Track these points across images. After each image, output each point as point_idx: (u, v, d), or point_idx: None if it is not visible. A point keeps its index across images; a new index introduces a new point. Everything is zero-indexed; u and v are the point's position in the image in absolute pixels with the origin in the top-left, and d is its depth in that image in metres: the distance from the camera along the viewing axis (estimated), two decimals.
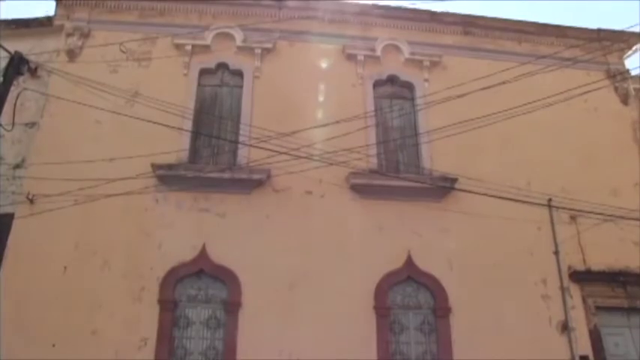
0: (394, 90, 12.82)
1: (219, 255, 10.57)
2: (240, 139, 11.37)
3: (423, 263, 11.00)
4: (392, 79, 12.79)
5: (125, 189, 10.40)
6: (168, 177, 10.87)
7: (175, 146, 11.13)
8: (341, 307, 10.41)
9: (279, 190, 11.17)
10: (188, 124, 11.48)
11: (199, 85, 12.16)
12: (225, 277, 10.49)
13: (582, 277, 11.53)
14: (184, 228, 10.73)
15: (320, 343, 10.13)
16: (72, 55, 12.04)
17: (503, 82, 11.54)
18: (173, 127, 10.91)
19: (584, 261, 11.69)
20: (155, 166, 10.76)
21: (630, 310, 11.60)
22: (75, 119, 11.31)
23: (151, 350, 9.81)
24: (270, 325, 10.18)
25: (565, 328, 11.06)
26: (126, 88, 11.44)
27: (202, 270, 10.51)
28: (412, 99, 12.67)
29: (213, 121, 11.88)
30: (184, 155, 11.23)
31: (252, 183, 11.06)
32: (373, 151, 11.68)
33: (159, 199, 10.88)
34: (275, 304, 10.36)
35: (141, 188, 10.63)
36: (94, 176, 10.36)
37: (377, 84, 12.66)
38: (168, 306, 10.16)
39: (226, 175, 11.00)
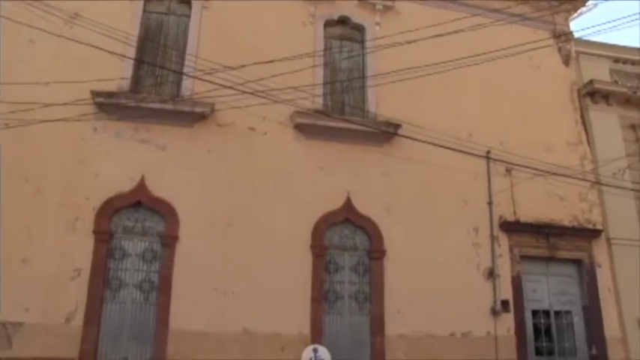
0: (345, 31, 12.68)
1: (158, 187, 10.42)
2: (185, 70, 11.05)
3: (361, 206, 11.22)
4: (343, 20, 12.61)
5: (61, 115, 9.97)
6: (107, 105, 10.50)
7: (116, 74, 10.71)
8: (278, 245, 10.57)
9: (222, 125, 11.01)
10: (131, 52, 11.02)
11: (145, 11, 11.63)
12: (163, 210, 10.39)
13: (511, 227, 12.12)
14: (123, 158, 10.47)
15: (256, 280, 10.30)
16: None
17: (454, 32, 11.57)
18: (115, 54, 10.44)
19: (514, 212, 12.24)
20: (94, 93, 10.34)
21: (549, 260, 12.41)
22: (6, 37, 10.59)
23: (84, 281, 9.71)
24: (206, 260, 10.23)
25: (491, 274, 11.67)
26: (65, 9, 10.81)
27: (140, 202, 10.37)
28: (362, 42, 12.57)
29: (158, 50, 11.46)
30: (126, 84, 10.82)
31: (194, 116, 10.85)
32: (319, 91, 11.64)
33: (97, 127, 10.52)
34: (212, 240, 10.39)
35: (78, 115, 10.20)
36: (28, 100, 9.85)
37: (328, 24, 12.47)
38: (104, 237, 10.02)
39: (169, 106, 10.72)
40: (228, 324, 10.01)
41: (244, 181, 10.84)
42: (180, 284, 10.01)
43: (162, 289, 10.02)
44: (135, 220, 10.39)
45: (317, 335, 10.30)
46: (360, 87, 12.15)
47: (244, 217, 10.61)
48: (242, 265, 10.33)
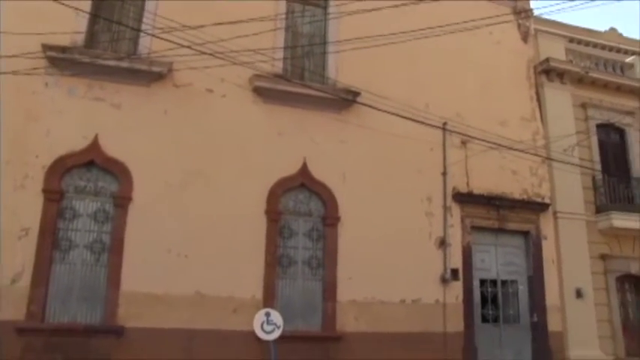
0: None
1: (112, 147, 10.19)
2: (143, 27, 10.75)
3: (317, 172, 11.28)
4: None
5: (10, 68, 9.53)
6: (60, 60, 10.13)
7: (70, 27, 10.31)
8: (233, 209, 10.54)
9: (180, 86, 10.81)
10: (86, 5, 10.58)
11: None
12: (117, 170, 10.20)
13: (464, 198, 12.40)
14: (76, 116, 10.17)
15: (210, 243, 10.29)
16: None
17: (417, 2, 11.59)
18: (69, 6, 9.91)
19: (467, 184, 12.53)
20: (46, 47, 9.95)
21: (499, 231, 12.81)
22: None
23: (33, 241, 9.49)
24: (160, 222, 10.12)
25: (442, 243, 11.97)
26: None
27: (93, 161, 10.14)
28: (325, 7, 12.45)
29: (115, 5, 11.12)
30: (80, 38, 10.45)
31: (151, 75, 10.61)
32: (280, 55, 11.55)
33: (49, 82, 10.15)
34: (167, 201, 10.28)
35: (28, 69, 9.74)
36: None
37: None
38: (54, 196, 9.78)
39: (125, 64, 10.44)
40: (181, 286, 9.98)
41: (201, 143, 10.70)
42: (132, 246, 9.91)
43: (113, 250, 9.89)
44: (87, 180, 10.17)
45: (270, 299, 10.40)
46: (321, 53, 12.09)
47: (199, 180, 10.52)
48: (196, 228, 10.28)
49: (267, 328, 9.07)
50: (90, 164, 10.15)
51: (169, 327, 9.73)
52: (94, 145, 10.12)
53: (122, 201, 10.12)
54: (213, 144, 10.79)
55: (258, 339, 8.98)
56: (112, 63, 10.35)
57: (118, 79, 10.44)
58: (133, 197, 10.15)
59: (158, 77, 10.65)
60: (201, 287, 10.09)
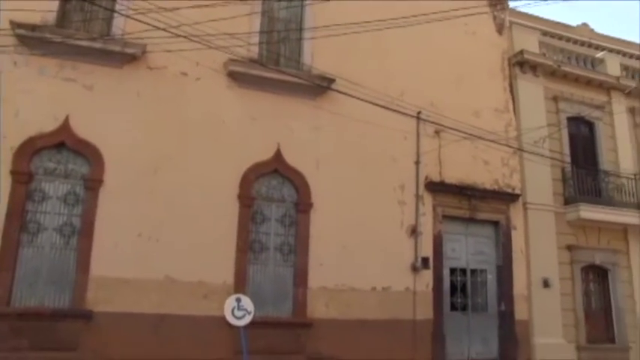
0: None
1: (84, 129, 10.00)
2: (117, 8, 10.53)
3: (291, 158, 11.26)
4: None
5: None
6: (30, 39, 9.85)
7: (41, 5, 9.99)
8: (205, 193, 10.47)
9: (154, 68, 10.65)
10: None
11: None
12: (88, 152, 10.02)
13: (436, 187, 12.52)
14: (46, 96, 9.91)
15: (181, 227, 10.21)
16: None
17: None
18: None
19: (440, 173, 12.64)
20: (15, 24, 9.68)
21: (470, 221, 12.97)
22: None
23: (0, 223, 9.27)
24: (131, 206, 10.00)
25: (414, 231, 12.06)
26: None
27: (63, 143, 9.94)
28: None
29: None
30: (51, 17, 10.17)
31: (125, 57, 10.42)
32: (255, 40, 11.46)
33: (18, 61, 9.87)
34: (138, 185, 10.15)
35: None
36: None
37: None
38: (22, 178, 9.57)
39: (98, 44, 10.21)
40: (151, 271, 9.89)
41: (174, 126, 10.59)
42: (102, 229, 9.77)
43: (83, 233, 9.74)
44: (57, 162, 9.97)
45: (241, 285, 10.38)
46: (297, 39, 12.01)
47: (172, 164, 10.41)
48: (168, 212, 10.19)
49: (238, 313, 9.10)
50: (60, 146, 9.94)
51: (139, 312, 9.65)
52: (65, 127, 9.91)
53: (93, 184, 9.96)
54: (186, 128, 10.67)
55: (228, 324, 9.00)
56: (84, 43, 10.11)
57: (90, 59, 10.21)
58: (105, 180, 9.99)
59: (132, 59, 10.47)
60: (172, 272, 10.00)
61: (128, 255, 9.80)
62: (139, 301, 9.71)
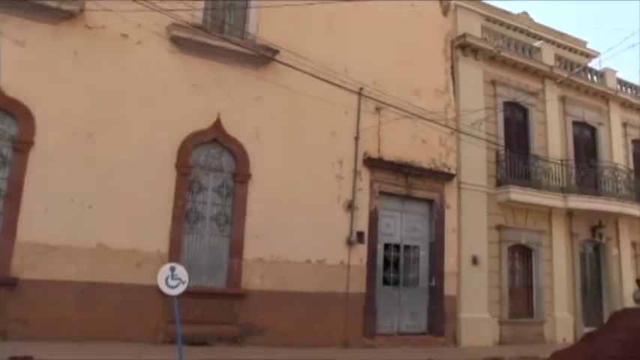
0: None
1: (14, 87, 9.45)
2: None
3: (231, 128, 11.11)
4: None
5: None
6: None
7: None
8: (142, 160, 10.21)
9: (92, 28, 10.18)
10: None
11: None
12: (18, 112, 9.52)
13: (374, 164, 12.69)
14: None
15: (116, 194, 9.94)
16: None
17: None
18: None
19: (378, 150, 12.80)
20: None
21: (405, 197, 13.24)
22: None
23: None
24: (63, 170, 9.61)
25: (350, 206, 12.21)
26: None
27: None
28: None
29: None
30: None
31: (61, 13, 9.88)
32: (200, 5, 11.16)
33: None
34: (72, 148, 9.74)
35: None
36: None
37: None
38: None
39: None
40: (83, 238, 9.59)
41: (111, 89, 10.17)
42: (31, 193, 9.36)
43: (10, 197, 9.30)
44: None
45: (175, 254, 10.24)
46: (243, 7, 11.80)
47: (108, 128, 10.05)
48: (102, 178, 9.86)
49: (172, 282, 8.91)
50: None
51: (68, 279, 9.33)
52: None
53: (22, 145, 9.49)
54: (124, 91, 10.29)
55: (162, 293, 8.85)
56: None
57: (23, 13, 9.64)
58: (35, 142, 9.52)
59: (69, 16, 9.95)
60: (105, 239, 9.74)
61: (59, 221, 9.44)
62: (68, 268, 9.39)
